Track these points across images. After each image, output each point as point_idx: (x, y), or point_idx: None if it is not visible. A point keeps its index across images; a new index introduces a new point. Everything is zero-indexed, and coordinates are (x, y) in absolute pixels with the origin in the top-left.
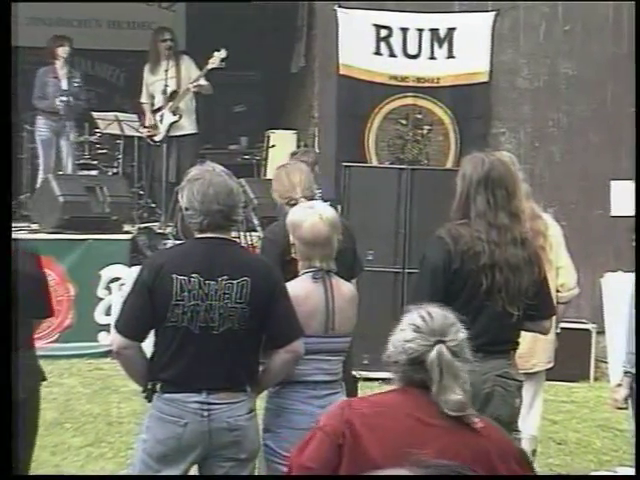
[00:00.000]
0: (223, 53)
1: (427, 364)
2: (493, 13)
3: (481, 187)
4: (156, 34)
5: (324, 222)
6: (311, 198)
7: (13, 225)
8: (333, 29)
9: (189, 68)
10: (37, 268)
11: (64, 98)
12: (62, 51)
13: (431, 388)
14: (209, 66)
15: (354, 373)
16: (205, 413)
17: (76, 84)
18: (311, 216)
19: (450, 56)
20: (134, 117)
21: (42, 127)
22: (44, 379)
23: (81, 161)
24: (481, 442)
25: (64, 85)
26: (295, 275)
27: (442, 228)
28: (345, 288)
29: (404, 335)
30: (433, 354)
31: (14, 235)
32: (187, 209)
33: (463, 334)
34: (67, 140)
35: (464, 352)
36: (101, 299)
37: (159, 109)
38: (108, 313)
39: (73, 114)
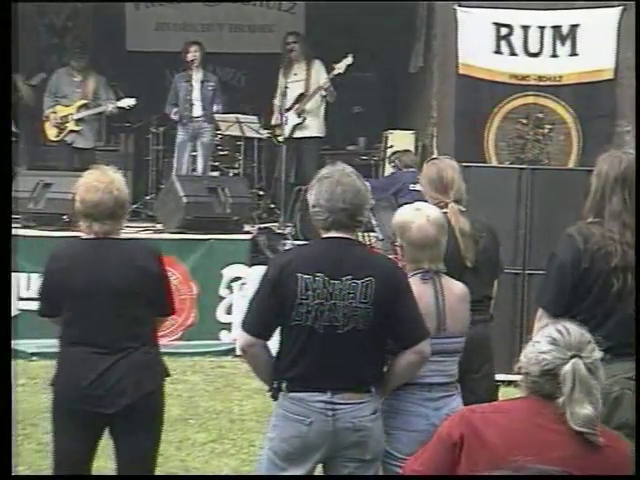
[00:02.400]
0: (349, 59)
1: (560, 377)
2: (619, 8)
3: (618, 186)
4: (286, 37)
5: (432, 224)
6: (460, 201)
7: (139, 225)
8: (452, 28)
9: (319, 72)
10: (160, 267)
11: (196, 102)
12: (194, 56)
13: (559, 400)
14: (335, 71)
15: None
16: (330, 413)
17: (210, 87)
18: (419, 218)
19: (573, 53)
20: (254, 119)
21: (179, 131)
22: (168, 375)
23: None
24: (598, 460)
25: (197, 89)
26: None
27: (573, 226)
28: (456, 288)
29: (539, 347)
30: (568, 367)
31: (140, 235)
32: (314, 206)
33: (599, 353)
34: (202, 143)
35: (598, 371)
36: (223, 298)
37: (287, 110)
38: (229, 312)
39: (207, 117)
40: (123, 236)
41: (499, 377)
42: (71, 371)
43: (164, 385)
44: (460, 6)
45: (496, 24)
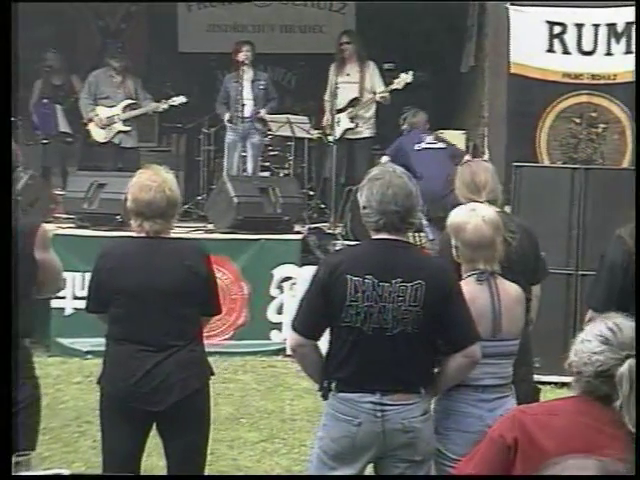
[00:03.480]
0: (409, 77)
1: (616, 378)
2: None
3: None
4: (340, 36)
5: (487, 224)
6: (494, 201)
7: (191, 225)
8: (504, 27)
9: (373, 77)
10: (208, 267)
11: (247, 102)
12: (245, 56)
13: (616, 402)
14: (393, 86)
15: (535, 381)
16: (379, 414)
17: (261, 87)
18: (474, 218)
19: (628, 51)
20: (305, 119)
21: (228, 131)
22: (212, 374)
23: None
24: None
25: (247, 89)
26: (459, 278)
27: (622, 227)
28: (511, 289)
29: (590, 346)
30: (624, 368)
31: (191, 235)
32: (364, 208)
33: None
34: (251, 143)
35: None
36: (273, 298)
37: (339, 111)
38: (280, 312)
39: (257, 117)
40: (173, 236)
41: (551, 379)
42: (118, 369)
43: (209, 383)
44: (512, 5)
45: (549, 22)
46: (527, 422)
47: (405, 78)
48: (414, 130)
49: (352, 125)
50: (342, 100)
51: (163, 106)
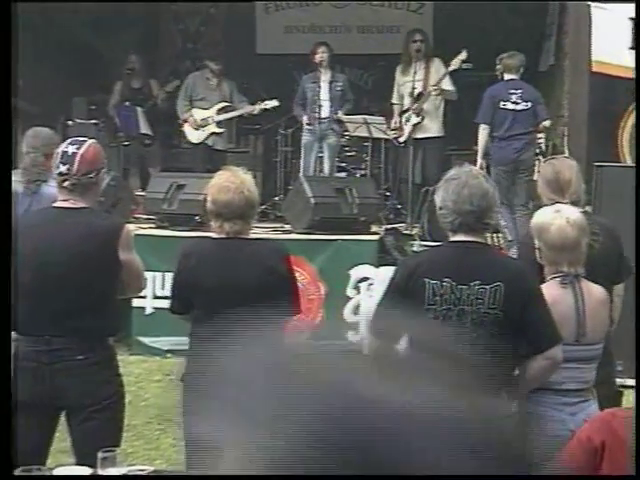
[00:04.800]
0: (464, 55)
1: None
2: None
3: None
4: (408, 36)
5: (572, 226)
6: (577, 202)
7: (268, 226)
8: (585, 25)
9: (439, 71)
10: (288, 267)
11: (324, 103)
12: (322, 57)
13: None
14: (450, 68)
15: (617, 385)
16: None
17: (338, 88)
18: (558, 219)
19: None
20: (381, 120)
21: (305, 132)
22: None
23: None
24: None
25: (324, 90)
26: (542, 281)
27: None
28: (597, 292)
29: None
30: None
31: (269, 235)
32: (441, 208)
33: None
34: (328, 144)
35: None
36: (350, 298)
37: (406, 110)
38: (356, 312)
39: (334, 118)
40: (252, 236)
41: (635, 383)
42: (200, 368)
43: None
44: (595, 2)
45: (633, 19)
46: (615, 424)
47: (460, 57)
48: (506, 79)
49: (418, 119)
50: (408, 99)
51: (256, 109)
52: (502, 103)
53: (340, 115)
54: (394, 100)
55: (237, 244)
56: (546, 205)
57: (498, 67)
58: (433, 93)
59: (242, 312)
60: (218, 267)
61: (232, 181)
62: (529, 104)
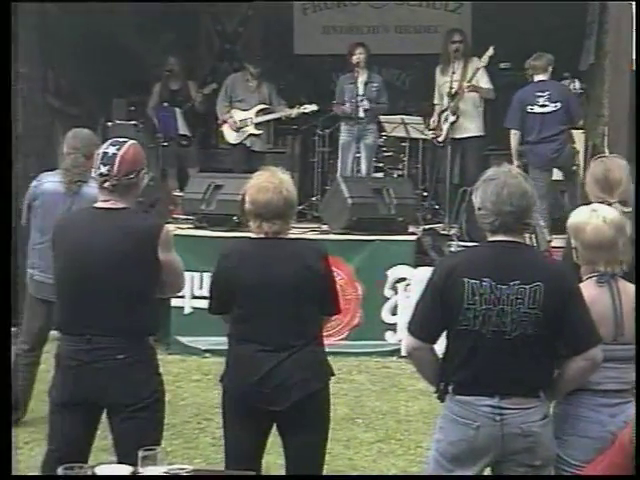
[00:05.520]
0: (491, 51)
1: None
2: None
3: None
4: (447, 36)
5: (608, 225)
6: (624, 202)
7: (305, 226)
8: (627, 24)
9: (476, 71)
10: (326, 267)
11: (361, 103)
12: (359, 58)
13: None
14: (479, 64)
15: None
16: (498, 417)
17: (374, 88)
18: (594, 219)
19: None
20: (419, 120)
21: (342, 132)
22: (332, 374)
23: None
24: None
25: (361, 90)
26: (579, 281)
27: None
28: (633, 291)
29: None
30: None
31: (306, 235)
32: (479, 209)
33: None
34: (365, 144)
35: None
36: (387, 299)
37: (444, 110)
38: (394, 313)
39: (372, 118)
40: (292, 236)
41: None
42: (239, 368)
43: (329, 384)
44: (636, 0)
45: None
46: None
47: (487, 53)
48: (535, 80)
49: (453, 118)
50: (446, 98)
51: (294, 113)
52: (529, 107)
53: (365, 103)
54: (435, 101)
55: (276, 244)
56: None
57: (528, 70)
58: (466, 90)
59: (281, 312)
60: (257, 267)
61: (271, 181)
62: (558, 104)
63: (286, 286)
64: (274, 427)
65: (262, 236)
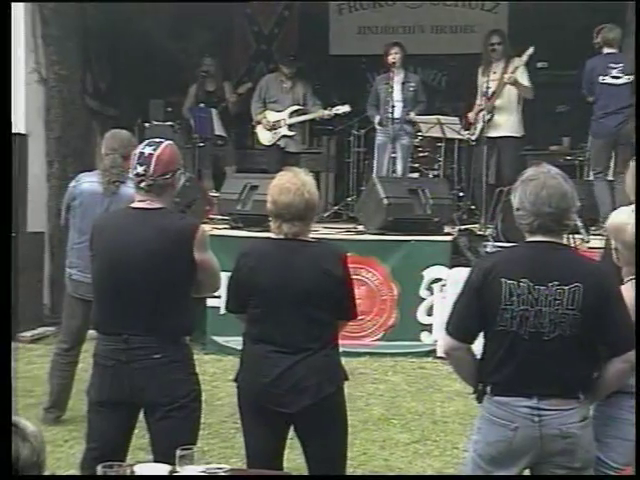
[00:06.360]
0: (530, 50)
1: None
2: None
3: None
4: (486, 38)
5: None
6: None
7: (341, 226)
8: None
9: (515, 70)
10: (344, 270)
11: (397, 104)
12: (395, 58)
13: None
14: (518, 63)
15: None
16: (536, 419)
17: (412, 88)
18: (634, 219)
19: None
20: (455, 120)
21: (378, 133)
22: (346, 378)
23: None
24: None
25: (397, 91)
26: (620, 282)
27: None
28: None
29: None
30: None
31: (340, 236)
32: (518, 209)
33: None
34: (401, 144)
35: None
36: (423, 299)
37: (482, 109)
38: (430, 313)
39: (407, 119)
40: (311, 238)
41: None
42: (253, 368)
43: (344, 388)
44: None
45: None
46: None
47: (527, 52)
48: (605, 52)
49: (489, 116)
50: (483, 99)
51: (327, 114)
52: (601, 78)
53: (412, 116)
54: (478, 101)
55: (294, 245)
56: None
57: (597, 41)
58: (506, 80)
59: (297, 314)
60: (275, 268)
61: (293, 182)
62: (631, 77)
63: (303, 289)
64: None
65: (281, 237)
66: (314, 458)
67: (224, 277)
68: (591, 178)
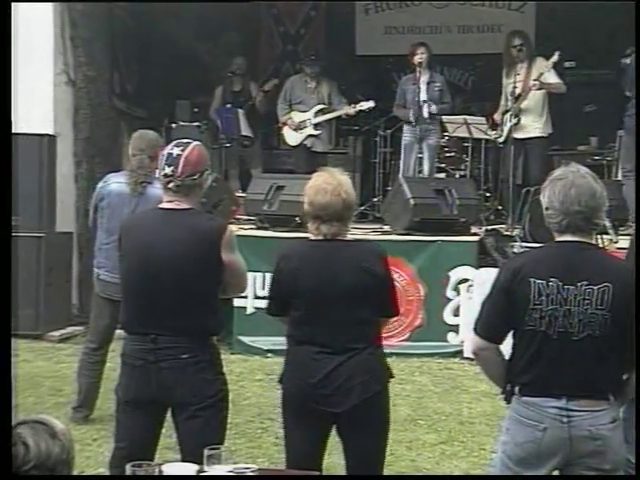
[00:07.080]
0: (555, 57)
1: None
2: None
3: None
4: (507, 40)
5: None
6: None
7: (367, 227)
8: None
9: (540, 69)
10: (385, 269)
11: (423, 104)
12: (421, 58)
13: None
14: (541, 68)
15: None
16: (565, 419)
17: (437, 88)
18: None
19: None
20: (482, 120)
21: (405, 133)
22: (392, 376)
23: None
24: None
25: (423, 91)
26: None
27: None
28: None
29: None
30: None
31: (367, 236)
32: (547, 209)
33: None
34: (428, 144)
35: None
36: (450, 300)
37: (507, 111)
38: (456, 314)
39: (435, 119)
40: (350, 237)
41: None
42: (298, 369)
43: (389, 386)
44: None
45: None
46: None
47: (552, 59)
48: None
49: (515, 121)
50: (509, 100)
51: (351, 111)
52: None
53: (433, 108)
54: (502, 101)
55: (335, 246)
56: None
57: (628, 61)
58: (533, 88)
59: (341, 314)
60: (317, 269)
61: (329, 182)
62: None
63: (345, 289)
64: (333, 428)
65: (320, 238)
66: (354, 455)
67: (251, 277)
68: (620, 177)
